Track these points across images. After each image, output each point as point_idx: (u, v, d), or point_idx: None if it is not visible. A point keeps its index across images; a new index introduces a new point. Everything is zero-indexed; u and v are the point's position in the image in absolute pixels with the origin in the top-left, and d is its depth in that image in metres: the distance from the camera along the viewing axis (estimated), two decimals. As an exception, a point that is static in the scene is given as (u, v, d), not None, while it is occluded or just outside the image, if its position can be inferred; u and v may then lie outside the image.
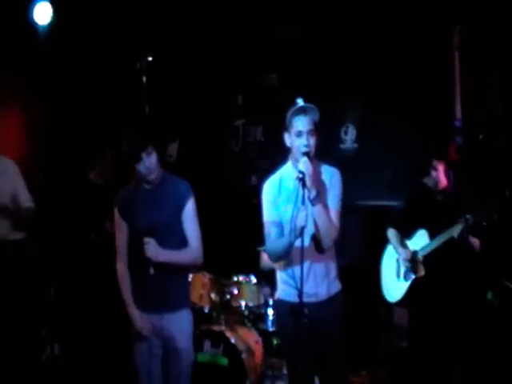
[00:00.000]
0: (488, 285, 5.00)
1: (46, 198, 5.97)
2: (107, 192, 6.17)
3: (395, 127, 6.24)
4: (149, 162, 4.20)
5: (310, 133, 4.01)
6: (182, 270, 4.41)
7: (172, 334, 4.30)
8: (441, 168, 5.05)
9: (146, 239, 4.14)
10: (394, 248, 5.29)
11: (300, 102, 4.05)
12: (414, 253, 5.11)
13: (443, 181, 5.07)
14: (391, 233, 5.33)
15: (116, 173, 6.37)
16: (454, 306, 4.91)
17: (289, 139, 4.09)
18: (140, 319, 4.29)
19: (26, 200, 5.70)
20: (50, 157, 6.92)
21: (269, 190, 4.19)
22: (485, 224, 4.59)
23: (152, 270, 4.15)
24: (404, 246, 5.22)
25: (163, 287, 4.26)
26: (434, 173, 5.06)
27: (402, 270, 5.22)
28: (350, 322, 4.23)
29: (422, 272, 5.03)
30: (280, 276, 4.25)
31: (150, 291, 4.26)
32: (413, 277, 5.10)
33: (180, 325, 4.35)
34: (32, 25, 6.71)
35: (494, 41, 5.70)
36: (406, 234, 5.23)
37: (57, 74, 7.04)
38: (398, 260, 5.29)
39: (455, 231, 4.70)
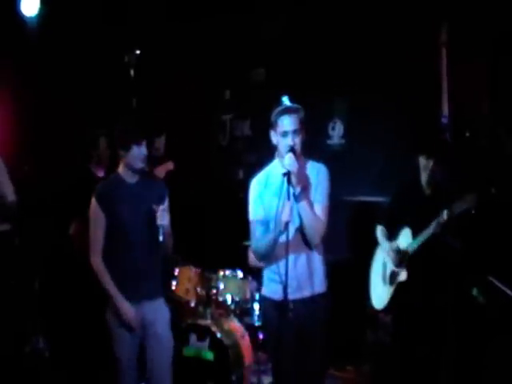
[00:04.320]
0: (473, 281, 5.00)
1: (34, 191, 5.94)
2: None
3: (383, 123, 6.25)
4: (142, 150, 4.35)
5: (295, 132, 4.02)
6: (159, 259, 4.52)
7: (153, 321, 4.43)
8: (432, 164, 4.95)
9: (160, 207, 4.31)
10: (380, 242, 5.22)
11: (285, 100, 4.07)
12: (399, 253, 4.99)
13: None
14: (379, 230, 5.26)
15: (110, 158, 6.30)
16: (438, 305, 4.86)
17: (275, 137, 4.10)
18: (131, 310, 4.37)
19: (9, 193, 5.67)
20: (38, 149, 6.89)
21: (255, 187, 4.21)
22: (460, 217, 4.53)
23: (162, 238, 4.29)
24: (391, 247, 5.10)
25: (147, 275, 4.42)
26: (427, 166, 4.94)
27: (388, 273, 5.11)
28: (336, 317, 4.25)
29: (403, 277, 4.93)
30: (266, 273, 4.26)
31: (132, 281, 4.38)
32: (397, 281, 4.99)
33: (160, 311, 4.51)
34: (19, 16, 6.69)
35: (481, 38, 5.71)
36: (392, 233, 5.14)
37: (44, 66, 7.01)
38: (384, 264, 5.21)
39: (433, 226, 4.66)
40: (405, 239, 4.98)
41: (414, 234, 4.88)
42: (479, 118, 5.66)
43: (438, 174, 4.96)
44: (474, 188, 4.46)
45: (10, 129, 7.19)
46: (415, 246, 4.85)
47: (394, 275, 5.04)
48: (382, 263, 5.25)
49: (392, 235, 5.15)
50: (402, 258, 4.97)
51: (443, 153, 5.03)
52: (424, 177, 5.00)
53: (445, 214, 4.58)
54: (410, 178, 5.11)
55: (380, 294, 5.21)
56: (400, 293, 4.99)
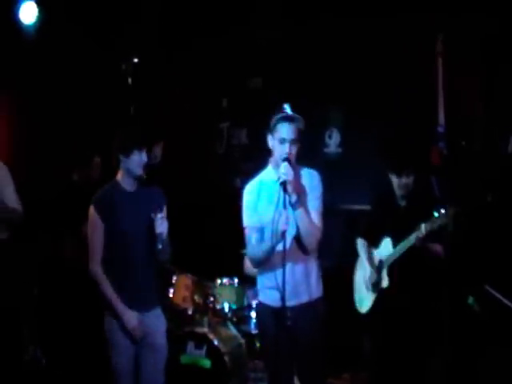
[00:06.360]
0: (468, 290, 5.00)
1: (30, 199, 5.95)
2: (89, 194, 6.19)
3: (379, 132, 6.29)
4: (143, 156, 4.30)
5: (292, 142, 4.05)
6: (156, 268, 4.49)
7: (151, 331, 4.38)
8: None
9: (159, 215, 4.25)
10: (360, 254, 5.20)
11: (287, 108, 4.09)
12: (380, 262, 4.98)
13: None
14: (359, 244, 5.21)
15: (102, 176, 6.37)
16: (430, 312, 4.83)
17: (271, 142, 4.12)
18: (134, 319, 4.31)
19: (12, 201, 5.66)
20: (36, 158, 6.90)
21: (248, 194, 4.22)
22: (441, 230, 4.46)
23: (160, 245, 4.27)
24: (371, 257, 5.09)
25: (146, 285, 4.39)
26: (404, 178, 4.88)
27: (370, 281, 5.06)
28: (332, 324, 4.26)
29: (385, 283, 4.90)
30: (260, 281, 4.28)
31: (134, 290, 4.34)
32: (380, 287, 4.95)
33: (158, 321, 4.47)
34: (17, 24, 6.71)
35: (477, 48, 5.77)
36: (373, 242, 5.09)
37: (42, 74, 7.02)
38: (366, 272, 5.14)
39: (412, 239, 4.60)
40: (385, 249, 4.93)
41: (395, 244, 4.82)
42: (474, 125, 5.69)
43: (410, 187, 4.89)
44: (459, 200, 4.42)
45: (5, 136, 7.20)
46: (393, 256, 4.81)
47: (376, 283, 5.00)
48: (364, 271, 5.16)
49: (374, 245, 5.09)
50: (378, 267, 4.96)
51: (412, 169, 4.89)
52: (398, 191, 4.94)
53: (423, 229, 4.51)
54: (385, 191, 5.05)
55: (364, 300, 5.15)
56: (381, 299, 4.95)
